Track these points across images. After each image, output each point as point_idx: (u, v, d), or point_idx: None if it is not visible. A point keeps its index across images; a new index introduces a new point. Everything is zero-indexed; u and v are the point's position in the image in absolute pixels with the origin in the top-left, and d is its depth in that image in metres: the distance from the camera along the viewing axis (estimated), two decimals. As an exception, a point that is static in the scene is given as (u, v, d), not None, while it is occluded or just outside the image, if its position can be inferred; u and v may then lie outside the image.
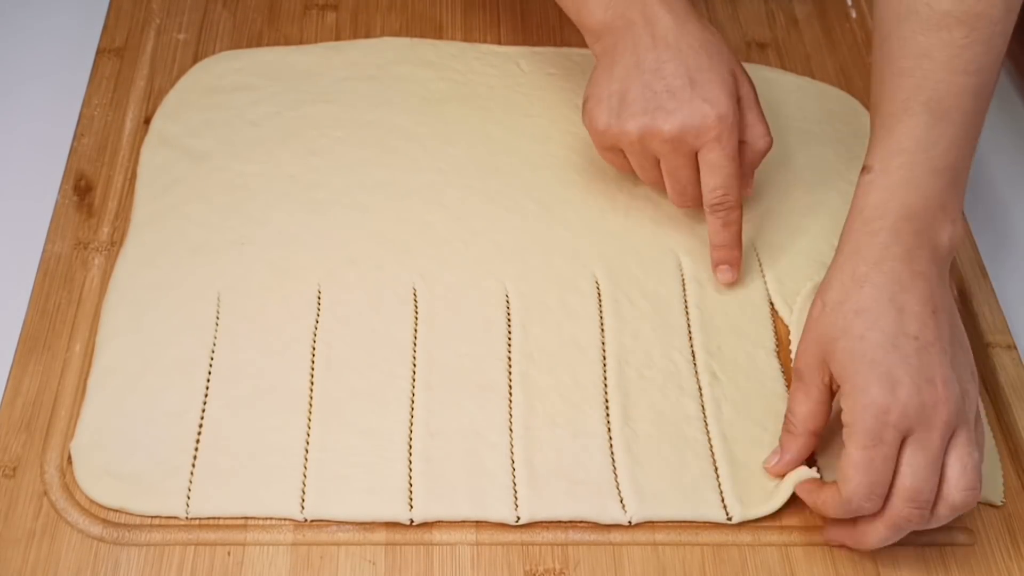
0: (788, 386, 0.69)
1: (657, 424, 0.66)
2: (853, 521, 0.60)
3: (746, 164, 0.70)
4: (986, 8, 0.61)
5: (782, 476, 0.63)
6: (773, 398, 0.68)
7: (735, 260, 0.71)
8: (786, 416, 0.63)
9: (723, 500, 0.64)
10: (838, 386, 0.59)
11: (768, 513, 0.63)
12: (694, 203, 0.71)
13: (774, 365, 0.70)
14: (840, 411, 0.59)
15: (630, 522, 0.63)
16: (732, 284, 0.72)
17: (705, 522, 0.63)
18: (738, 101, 0.68)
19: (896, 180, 0.61)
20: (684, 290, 0.73)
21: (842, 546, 0.62)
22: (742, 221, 0.70)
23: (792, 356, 0.70)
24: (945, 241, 0.61)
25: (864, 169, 0.63)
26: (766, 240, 0.75)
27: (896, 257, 0.60)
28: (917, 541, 0.63)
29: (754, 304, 0.73)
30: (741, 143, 0.69)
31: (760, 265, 0.74)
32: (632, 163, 0.71)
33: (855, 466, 0.57)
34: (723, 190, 0.68)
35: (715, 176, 0.68)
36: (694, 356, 0.70)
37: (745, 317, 0.72)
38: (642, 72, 0.68)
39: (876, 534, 0.59)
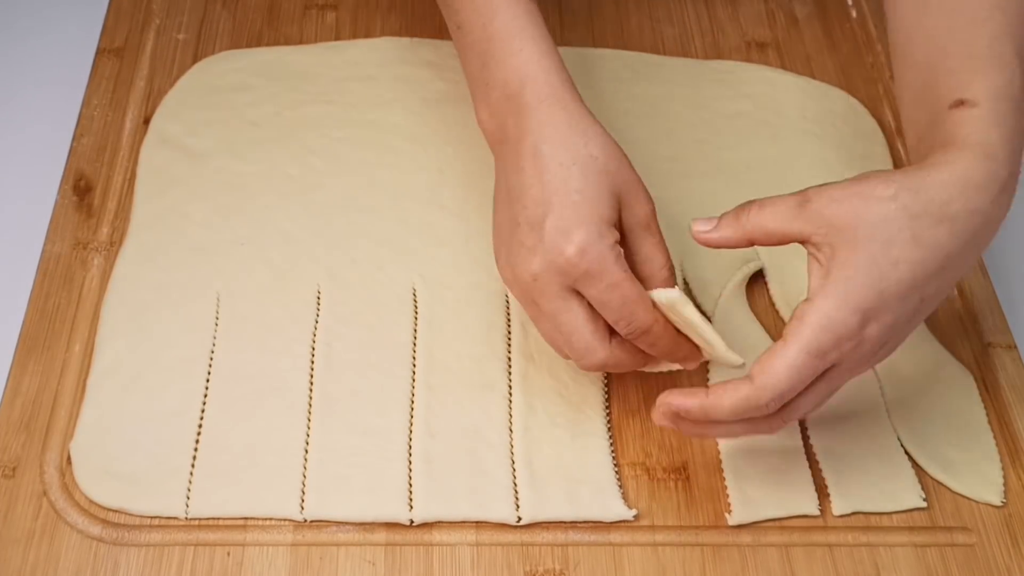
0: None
1: (657, 424, 0.66)
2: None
3: (653, 286, 0.61)
4: None
5: (706, 244, 0.59)
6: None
7: (685, 357, 0.61)
8: (749, 207, 0.58)
9: (727, 496, 0.64)
10: (813, 249, 0.55)
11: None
12: (590, 358, 0.60)
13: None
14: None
15: (635, 516, 0.63)
16: (701, 365, 0.64)
17: (705, 521, 0.63)
18: (627, 229, 0.60)
19: (1009, 126, 0.56)
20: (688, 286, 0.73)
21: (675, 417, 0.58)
22: (667, 329, 0.60)
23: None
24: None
25: (961, 103, 0.56)
26: (766, 240, 0.75)
27: (984, 215, 0.54)
28: (917, 542, 0.64)
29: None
30: (642, 279, 0.60)
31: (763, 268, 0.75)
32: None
33: (790, 366, 0.53)
34: (625, 321, 0.58)
35: (609, 312, 0.58)
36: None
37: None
38: (511, 202, 0.60)
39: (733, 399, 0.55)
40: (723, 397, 0.55)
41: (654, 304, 0.59)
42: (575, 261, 0.57)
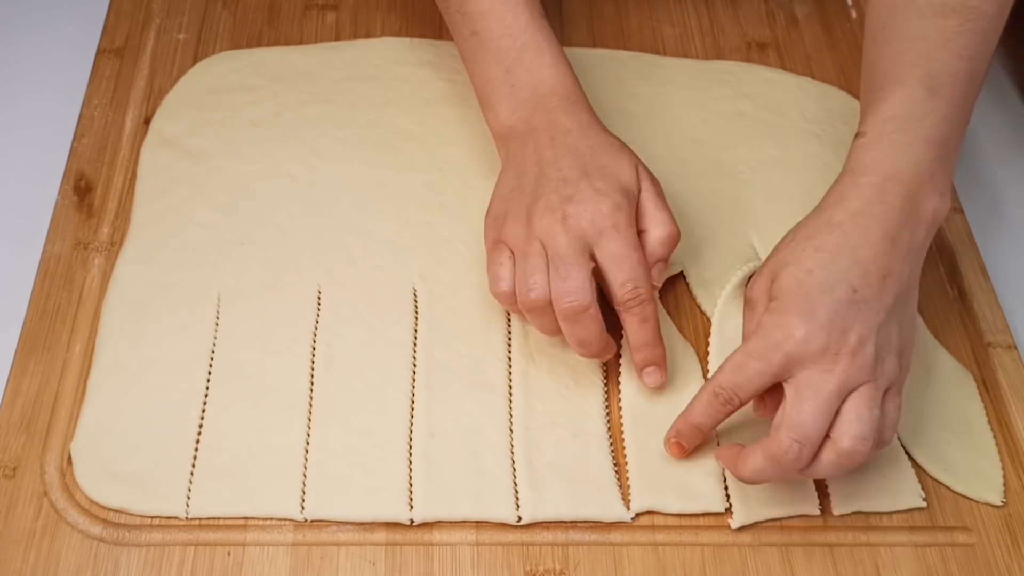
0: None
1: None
2: (738, 447, 0.61)
3: (651, 255, 0.66)
4: (980, 3, 0.63)
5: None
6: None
7: (660, 359, 0.66)
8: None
9: (727, 492, 0.64)
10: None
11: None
12: (593, 341, 0.64)
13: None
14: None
15: (633, 518, 0.63)
16: (661, 387, 0.67)
17: (705, 521, 0.63)
18: (639, 193, 0.66)
19: (888, 143, 0.62)
20: (688, 286, 0.73)
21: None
22: (658, 316, 0.65)
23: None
24: (929, 212, 0.61)
25: (857, 135, 0.64)
26: (767, 241, 0.75)
27: (874, 215, 0.60)
28: (917, 541, 0.64)
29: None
30: (641, 233, 0.66)
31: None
32: (518, 286, 0.64)
33: (733, 360, 0.59)
34: (632, 283, 0.63)
35: (621, 270, 0.63)
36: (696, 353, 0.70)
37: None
38: (541, 167, 0.66)
39: (753, 462, 0.59)
40: (692, 409, 0.62)
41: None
42: (607, 211, 0.63)
